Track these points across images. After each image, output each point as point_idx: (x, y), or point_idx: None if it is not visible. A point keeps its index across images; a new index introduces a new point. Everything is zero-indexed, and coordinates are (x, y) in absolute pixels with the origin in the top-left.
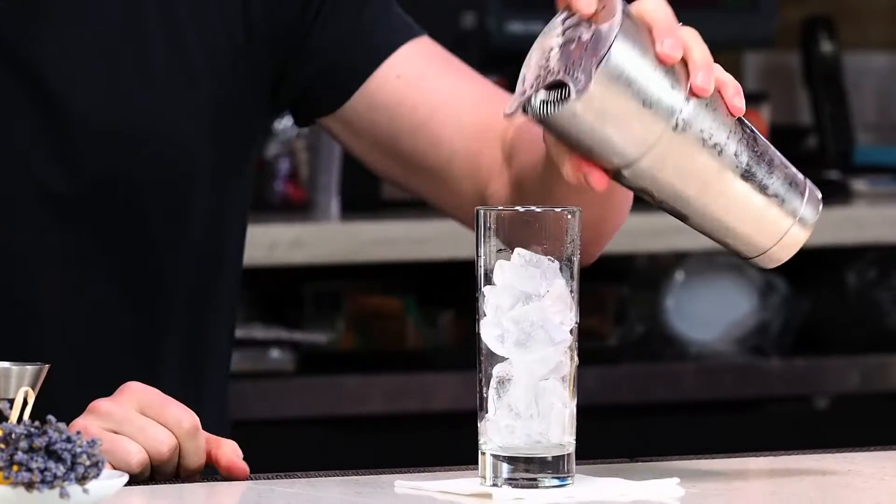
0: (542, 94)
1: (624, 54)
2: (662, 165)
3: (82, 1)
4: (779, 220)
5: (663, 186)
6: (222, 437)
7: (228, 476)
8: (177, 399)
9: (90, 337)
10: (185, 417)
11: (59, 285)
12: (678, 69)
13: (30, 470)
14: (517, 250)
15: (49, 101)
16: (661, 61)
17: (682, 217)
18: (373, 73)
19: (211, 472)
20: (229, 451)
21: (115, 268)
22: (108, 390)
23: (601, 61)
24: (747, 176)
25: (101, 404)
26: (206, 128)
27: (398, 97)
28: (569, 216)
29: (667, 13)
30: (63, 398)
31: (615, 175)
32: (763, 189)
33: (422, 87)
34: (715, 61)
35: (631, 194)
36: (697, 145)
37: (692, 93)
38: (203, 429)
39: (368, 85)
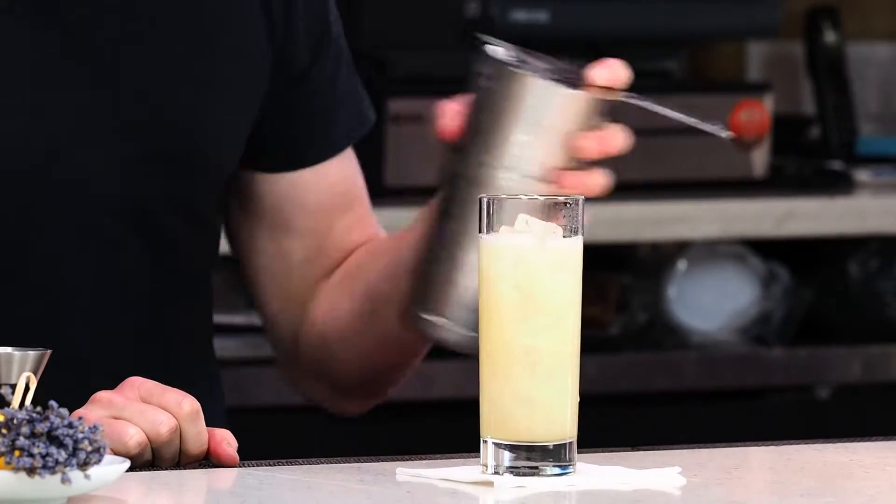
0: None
1: None
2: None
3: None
4: None
5: None
6: (221, 424)
7: (217, 463)
8: (195, 391)
9: (115, 329)
10: (185, 402)
11: (87, 277)
12: None
13: (31, 455)
14: (521, 215)
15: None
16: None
17: None
18: (319, 163)
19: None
20: (219, 438)
21: (140, 262)
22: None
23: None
24: None
25: (103, 394)
26: (237, 125)
27: (348, 185)
28: (570, 204)
29: None
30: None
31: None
32: None
33: (359, 184)
34: (719, 50)
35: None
36: None
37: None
38: (217, 417)
39: (304, 174)
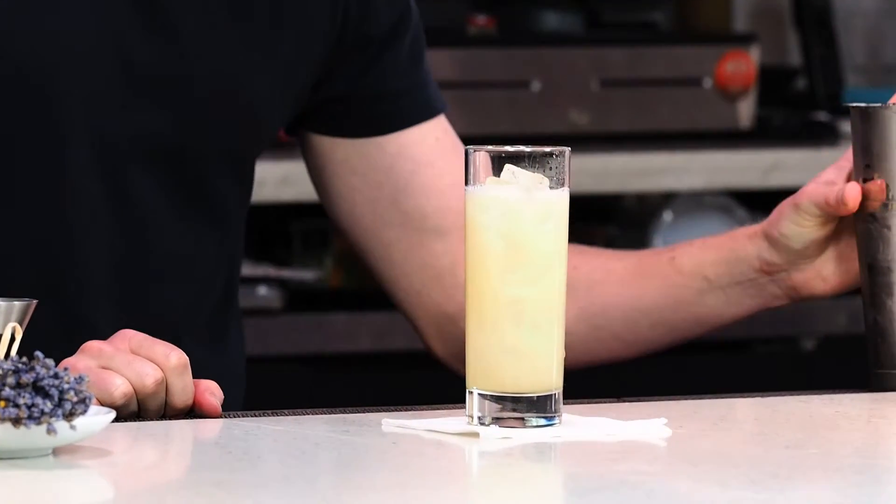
0: None
1: None
2: None
3: None
4: None
5: None
6: (241, 379)
7: (200, 413)
8: (217, 341)
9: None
10: (173, 354)
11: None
12: None
13: (17, 406)
14: (508, 166)
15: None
16: None
17: None
18: (420, 123)
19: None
20: (203, 388)
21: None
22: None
23: None
24: None
25: (93, 344)
26: (277, 96)
27: (429, 157)
28: (557, 156)
29: None
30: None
31: None
32: None
33: (452, 158)
34: (705, 1)
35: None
36: None
37: None
38: (226, 374)
39: (411, 132)
